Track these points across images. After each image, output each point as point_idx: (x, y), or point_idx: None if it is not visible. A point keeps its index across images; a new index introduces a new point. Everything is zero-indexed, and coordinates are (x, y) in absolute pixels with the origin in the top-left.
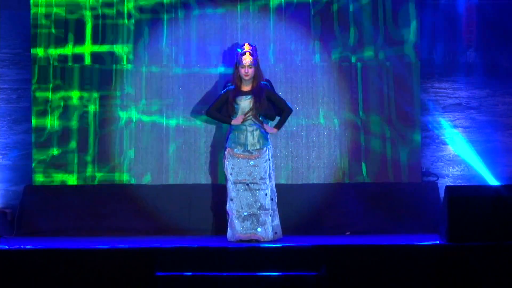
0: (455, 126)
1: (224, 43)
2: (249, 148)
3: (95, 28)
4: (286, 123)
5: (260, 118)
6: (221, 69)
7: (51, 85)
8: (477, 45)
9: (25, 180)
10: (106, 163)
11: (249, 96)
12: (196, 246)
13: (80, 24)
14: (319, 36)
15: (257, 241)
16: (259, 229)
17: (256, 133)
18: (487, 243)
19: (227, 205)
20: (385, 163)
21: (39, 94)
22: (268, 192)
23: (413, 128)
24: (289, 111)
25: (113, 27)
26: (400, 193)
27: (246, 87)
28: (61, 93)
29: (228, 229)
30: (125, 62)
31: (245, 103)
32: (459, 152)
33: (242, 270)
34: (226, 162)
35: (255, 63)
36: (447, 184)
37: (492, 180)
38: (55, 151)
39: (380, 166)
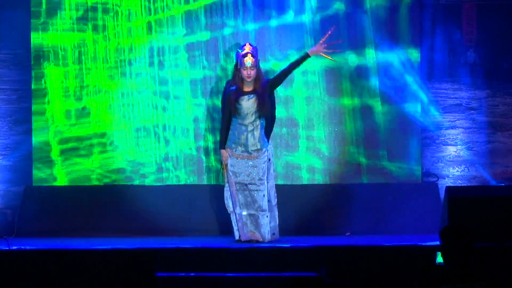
0: (455, 127)
1: None
2: (249, 149)
3: None
4: (286, 124)
5: (261, 120)
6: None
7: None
8: (477, 46)
9: (25, 180)
10: (106, 163)
11: (252, 96)
12: (197, 246)
13: None
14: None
15: (257, 241)
16: (258, 230)
17: (257, 133)
18: (487, 244)
19: (229, 207)
20: (385, 163)
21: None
22: (266, 193)
23: (414, 129)
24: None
25: None
26: (400, 193)
27: (248, 88)
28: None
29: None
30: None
31: (248, 103)
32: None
33: (243, 271)
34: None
35: (257, 64)
36: (448, 184)
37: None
38: (55, 152)
39: (380, 167)
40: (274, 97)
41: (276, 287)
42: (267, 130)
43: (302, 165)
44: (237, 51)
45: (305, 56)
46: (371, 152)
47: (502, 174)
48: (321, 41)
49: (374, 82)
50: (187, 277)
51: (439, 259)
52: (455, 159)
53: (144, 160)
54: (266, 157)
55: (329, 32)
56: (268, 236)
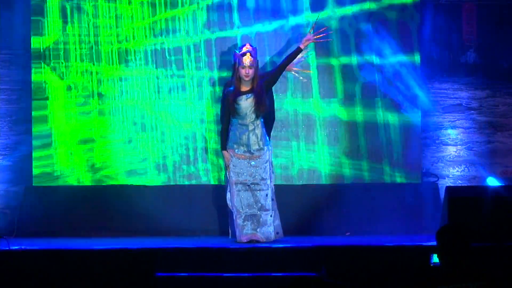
0: (455, 127)
1: None
2: (251, 148)
3: None
4: (286, 124)
5: (261, 119)
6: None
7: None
8: (477, 46)
9: (25, 180)
10: (106, 164)
11: (250, 95)
12: (197, 246)
13: None
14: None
15: (257, 241)
16: (259, 230)
17: (258, 132)
18: (487, 244)
19: (231, 208)
20: (385, 163)
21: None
22: (269, 192)
23: (413, 129)
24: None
25: None
26: (400, 193)
27: (245, 88)
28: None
29: (232, 228)
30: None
31: (246, 103)
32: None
33: (243, 271)
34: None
35: (255, 64)
36: (447, 184)
37: (492, 181)
38: (55, 152)
39: (380, 167)
40: (272, 96)
41: (276, 287)
42: (267, 130)
43: (303, 165)
44: (236, 51)
45: (298, 50)
46: (371, 152)
47: (502, 174)
48: (309, 31)
49: (374, 82)
50: (187, 277)
51: (435, 259)
52: (455, 159)
53: (143, 160)
54: (267, 156)
55: (316, 20)
56: (272, 235)
